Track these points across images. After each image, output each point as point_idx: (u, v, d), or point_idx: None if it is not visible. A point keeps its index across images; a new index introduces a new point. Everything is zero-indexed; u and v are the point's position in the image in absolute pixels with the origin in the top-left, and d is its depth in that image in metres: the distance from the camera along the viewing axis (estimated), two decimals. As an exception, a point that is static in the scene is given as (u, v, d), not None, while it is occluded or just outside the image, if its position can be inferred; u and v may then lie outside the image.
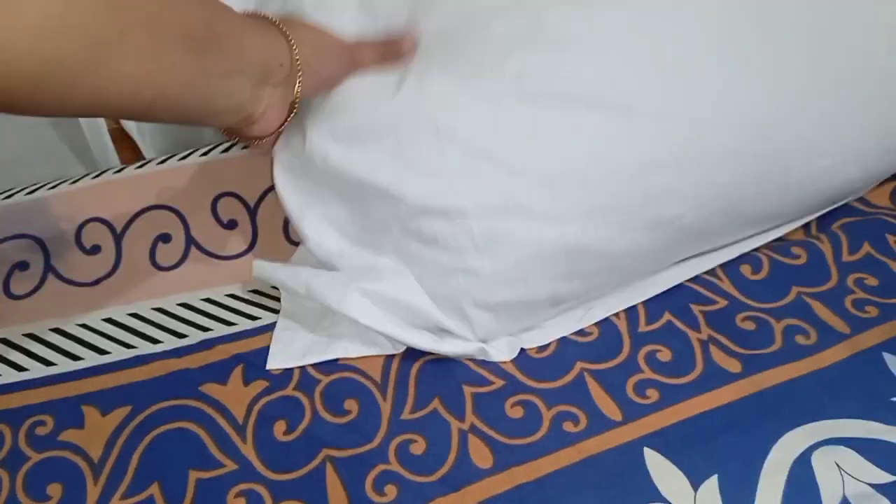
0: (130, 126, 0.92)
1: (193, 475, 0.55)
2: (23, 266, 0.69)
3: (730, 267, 0.66)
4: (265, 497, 0.54)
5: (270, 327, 0.63)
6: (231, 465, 0.56)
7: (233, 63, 0.49)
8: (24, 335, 0.64)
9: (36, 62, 0.38)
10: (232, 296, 0.67)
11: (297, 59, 0.53)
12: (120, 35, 0.41)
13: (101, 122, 0.87)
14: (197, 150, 0.76)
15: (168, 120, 0.50)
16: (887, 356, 0.59)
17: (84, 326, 0.64)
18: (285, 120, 0.55)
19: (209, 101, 0.49)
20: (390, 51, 0.60)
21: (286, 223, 0.71)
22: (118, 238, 0.69)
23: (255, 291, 0.67)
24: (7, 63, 0.37)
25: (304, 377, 0.60)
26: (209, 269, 0.68)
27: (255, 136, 0.55)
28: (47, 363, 0.62)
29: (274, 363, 0.61)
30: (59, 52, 0.38)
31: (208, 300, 0.66)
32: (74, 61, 0.39)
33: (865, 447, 0.54)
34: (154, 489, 0.55)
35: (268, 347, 0.62)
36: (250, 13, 0.54)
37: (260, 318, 0.64)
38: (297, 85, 0.54)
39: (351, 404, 0.58)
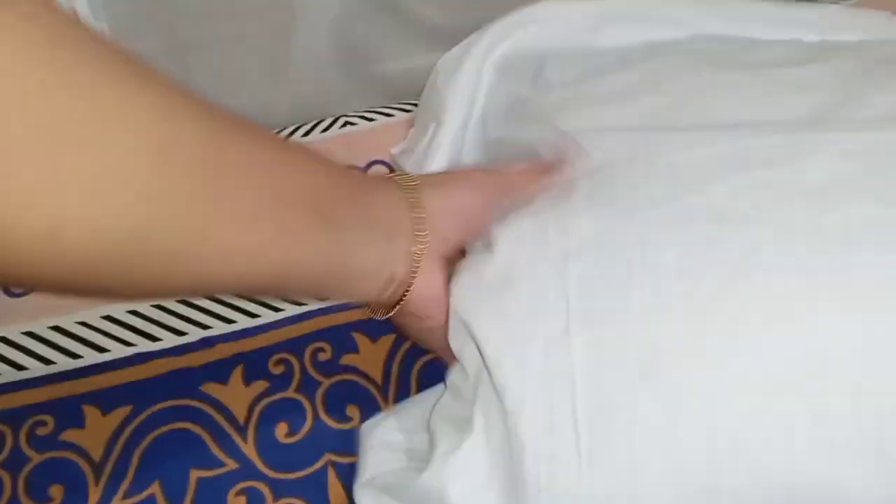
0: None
1: (194, 474, 0.56)
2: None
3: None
4: (266, 495, 0.55)
5: (271, 326, 0.63)
6: (232, 464, 0.56)
7: (361, 224, 0.43)
8: (22, 333, 0.63)
9: (121, 239, 0.33)
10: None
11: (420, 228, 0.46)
12: (219, 201, 0.35)
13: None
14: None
15: (302, 293, 0.46)
16: None
17: (83, 324, 0.64)
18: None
19: (341, 264, 0.43)
20: (550, 172, 0.51)
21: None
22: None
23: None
24: (89, 242, 0.32)
25: (305, 378, 0.60)
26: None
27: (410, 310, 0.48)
28: (47, 362, 0.62)
29: None
30: (147, 226, 0.33)
31: (208, 296, 0.66)
32: (166, 236, 0.34)
33: None
34: (155, 488, 0.55)
35: (269, 346, 0.62)
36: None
37: (260, 316, 0.64)
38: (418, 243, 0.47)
39: (352, 410, 0.59)
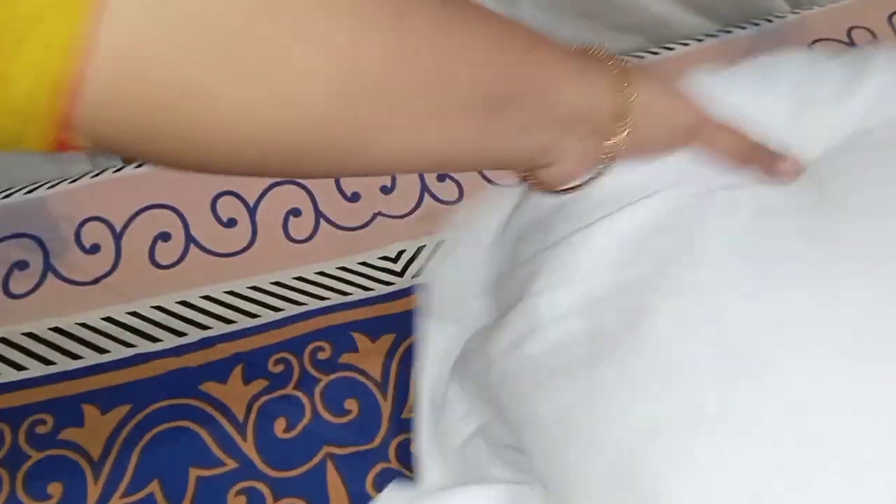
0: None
1: (194, 473, 0.55)
2: (22, 265, 0.69)
3: None
4: (266, 495, 0.54)
5: (270, 325, 0.63)
6: (232, 464, 0.56)
7: (535, 119, 0.42)
8: (23, 334, 0.64)
9: (296, 150, 0.34)
10: (231, 293, 0.66)
11: (627, 118, 0.43)
12: (393, 113, 0.36)
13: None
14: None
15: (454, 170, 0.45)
16: None
17: (83, 325, 0.64)
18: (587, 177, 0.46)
19: (498, 156, 0.42)
20: (760, 156, 0.47)
21: (286, 221, 0.70)
22: (118, 237, 0.69)
23: (255, 288, 0.67)
24: (266, 146, 0.33)
25: (304, 376, 0.60)
26: (209, 267, 0.68)
27: (549, 182, 0.46)
28: (47, 362, 0.62)
29: None
30: (328, 124, 0.34)
31: (207, 297, 0.66)
32: (341, 136, 0.34)
33: None
34: (154, 487, 0.55)
35: (268, 346, 0.62)
36: (582, 48, 0.44)
37: (260, 317, 0.64)
38: (616, 139, 0.44)
39: (351, 404, 0.58)
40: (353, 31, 0.33)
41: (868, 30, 0.83)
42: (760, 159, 0.47)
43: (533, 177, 0.46)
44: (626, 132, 0.43)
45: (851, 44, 0.82)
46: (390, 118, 0.36)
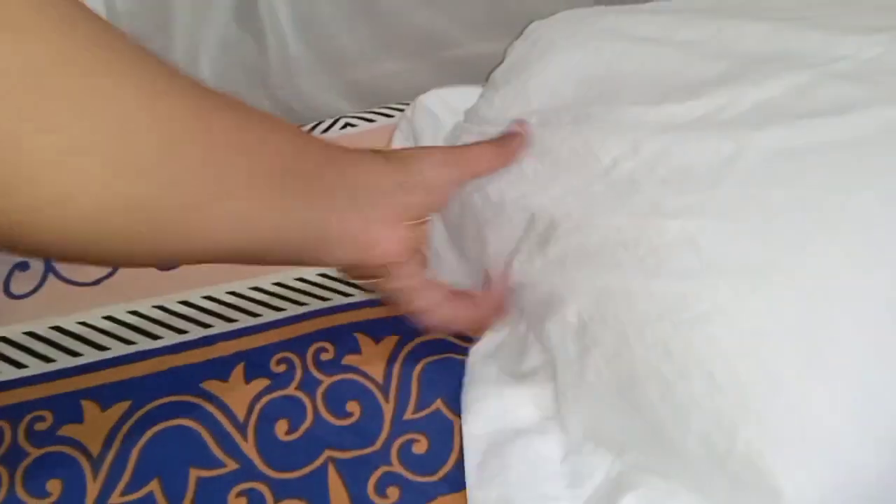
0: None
1: (194, 473, 0.55)
2: (23, 266, 0.68)
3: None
4: (266, 496, 0.54)
5: (272, 325, 0.63)
6: (232, 465, 0.55)
7: (342, 187, 0.46)
8: (23, 333, 0.63)
9: (128, 208, 0.35)
10: (233, 293, 0.66)
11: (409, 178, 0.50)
12: (215, 172, 0.38)
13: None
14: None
15: (287, 260, 0.48)
16: None
17: (84, 324, 0.64)
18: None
19: (325, 229, 0.46)
20: (504, 150, 0.55)
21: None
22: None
23: (256, 289, 0.66)
24: (98, 211, 0.34)
25: (306, 376, 0.60)
26: (210, 268, 0.67)
27: (378, 263, 0.50)
28: (47, 360, 0.61)
29: None
30: (152, 196, 0.35)
31: (209, 297, 0.66)
32: (169, 206, 0.36)
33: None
34: (154, 485, 0.54)
35: (270, 345, 0.62)
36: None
37: (261, 315, 0.64)
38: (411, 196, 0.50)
39: (353, 406, 0.58)
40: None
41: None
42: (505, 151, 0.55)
43: (364, 270, 0.51)
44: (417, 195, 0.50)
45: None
46: (213, 183, 0.37)
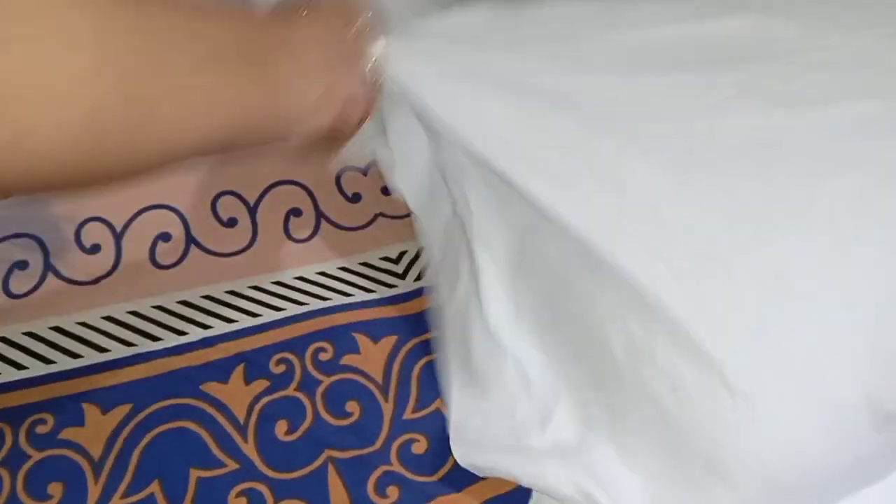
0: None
1: (194, 474, 0.55)
2: (22, 265, 0.68)
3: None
4: (266, 496, 0.54)
5: (271, 325, 0.63)
6: (232, 465, 0.56)
7: (288, 58, 0.45)
8: (23, 333, 0.63)
9: (81, 126, 0.34)
10: (232, 292, 0.66)
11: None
12: (160, 68, 0.37)
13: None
14: (197, 147, 0.75)
15: (252, 141, 0.46)
16: None
17: (83, 324, 0.64)
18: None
19: (283, 102, 0.46)
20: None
21: (286, 220, 0.70)
22: (118, 237, 0.69)
23: (255, 288, 0.66)
24: (53, 140, 0.33)
25: (306, 377, 0.60)
26: (209, 267, 0.68)
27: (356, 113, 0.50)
28: (47, 361, 0.61)
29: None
30: (103, 109, 0.35)
31: (208, 297, 0.66)
32: (122, 114, 0.36)
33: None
34: (154, 487, 0.55)
35: (270, 346, 0.62)
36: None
37: (261, 315, 0.64)
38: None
39: (352, 406, 0.58)
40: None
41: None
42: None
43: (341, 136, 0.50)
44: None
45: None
46: (159, 77, 0.36)
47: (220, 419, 0.58)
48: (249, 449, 0.56)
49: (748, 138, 0.49)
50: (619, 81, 0.51)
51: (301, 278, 0.67)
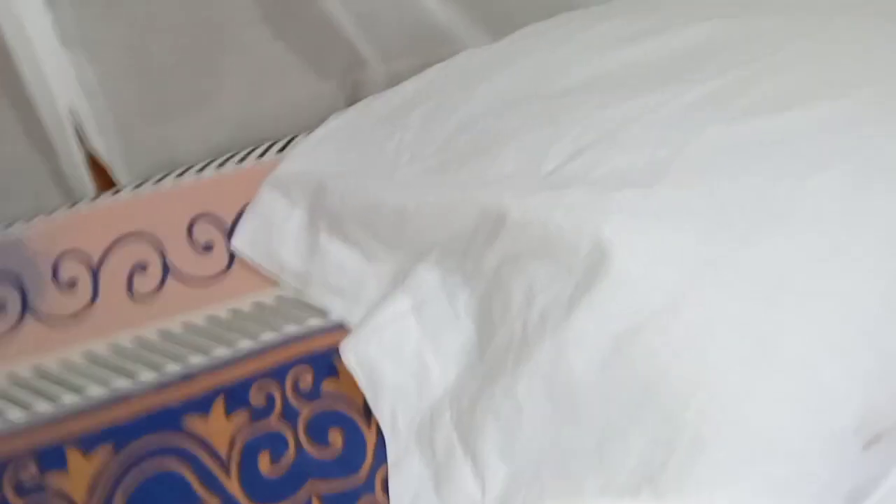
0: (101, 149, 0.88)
1: (180, 513, 0.55)
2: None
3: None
4: (252, 531, 0.54)
5: (248, 355, 0.62)
6: (216, 503, 0.55)
7: None
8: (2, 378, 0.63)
9: None
10: (211, 318, 0.65)
11: None
12: None
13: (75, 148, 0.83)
14: (172, 172, 0.74)
15: None
16: None
17: (63, 363, 0.63)
18: None
19: None
20: None
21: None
22: (95, 270, 0.68)
23: (235, 311, 0.65)
24: None
25: (287, 407, 0.59)
26: (187, 294, 0.67)
27: None
28: (27, 407, 0.61)
29: None
30: None
31: (187, 324, 0.65)
32: None
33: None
34: (141, 530, 0.54)
35: (248, 378, 0.61)
36: None
37: (238, 344, 0.63)
38: None
39: (334, 435, 0.58)
40: None
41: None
42: None
43: None
44: None
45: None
46: None
47: (203, 455, 0.57)
48: (232, 485, 0.56)
49: (726, 143, 0.48)
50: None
51: (280, 298, 0.66)
